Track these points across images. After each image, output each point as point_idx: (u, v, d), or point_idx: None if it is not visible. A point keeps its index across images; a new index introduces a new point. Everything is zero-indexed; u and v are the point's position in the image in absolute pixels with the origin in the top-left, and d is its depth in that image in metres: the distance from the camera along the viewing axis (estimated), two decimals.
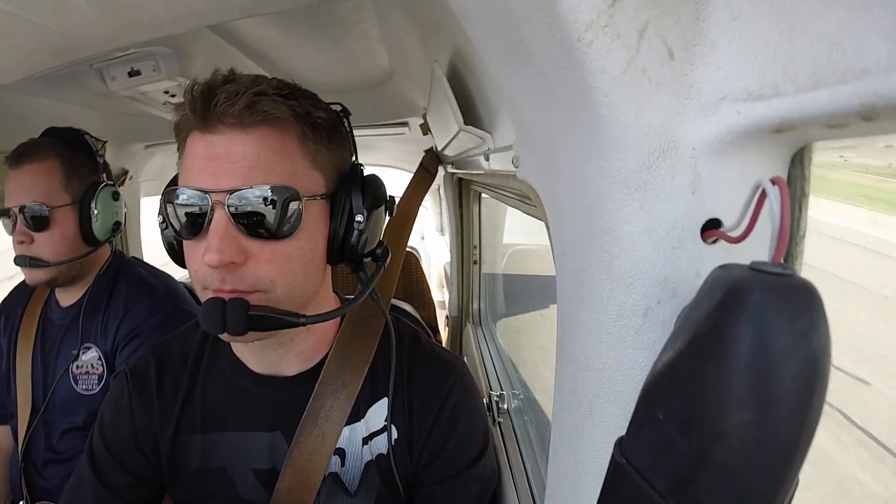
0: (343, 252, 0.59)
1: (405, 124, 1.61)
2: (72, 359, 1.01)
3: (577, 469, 0.37)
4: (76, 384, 1.00)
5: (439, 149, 1.03)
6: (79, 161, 1.01)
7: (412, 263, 1.95)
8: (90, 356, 1.01)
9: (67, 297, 1.07)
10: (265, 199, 0.51)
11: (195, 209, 0.51)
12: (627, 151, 0.28)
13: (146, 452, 0.68)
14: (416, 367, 0.68)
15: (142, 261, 1.21)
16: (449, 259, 1.96)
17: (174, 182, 0.57)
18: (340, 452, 0.65)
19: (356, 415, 0.66)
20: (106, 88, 0.99)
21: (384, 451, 0.65)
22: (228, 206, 0.50)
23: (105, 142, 1.12)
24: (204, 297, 0.53)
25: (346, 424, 0.65)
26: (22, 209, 0.93)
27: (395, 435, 0.65)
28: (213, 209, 0.50)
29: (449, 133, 0.79)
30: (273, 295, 0.54)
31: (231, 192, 0.50)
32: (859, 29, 0.19)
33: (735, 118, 0.26)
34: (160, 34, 0.72)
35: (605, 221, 0.31)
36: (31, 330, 1.06)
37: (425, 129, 1.19)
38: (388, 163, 2.49)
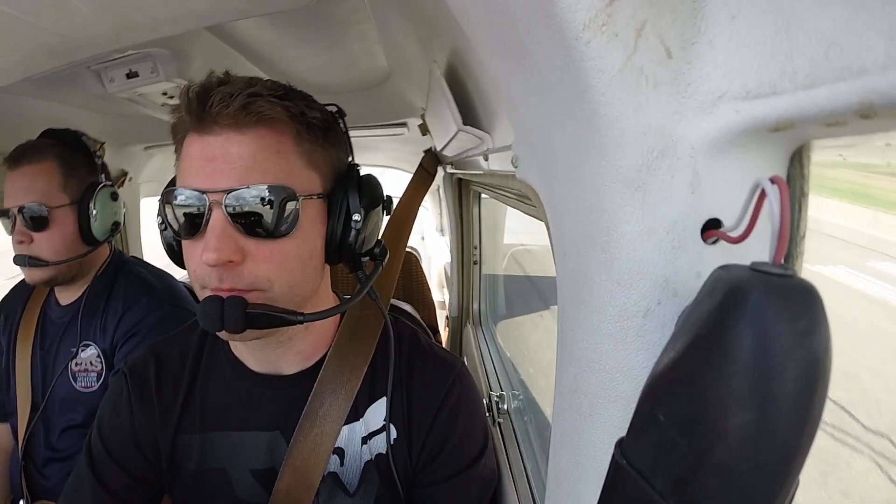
0: (341, 251, 0.59)
1: (404, 125, 1.61)
2: (71, 356, 1.01)
3: (577, 470, 0.37)
4: (75, 382, 1.00)
5: (438, 149, 1.03)
6: (77, 162, 1.01)
7: (412, 263, 1.95)
8: (89, 354, 1.01)
9: (67, 296, 1.07)
10: (262, 198, 0.51)
11: (193, 209, 0.52)
12: (626, 151, 0.28)
13: (145, 453, 0.68)
14: (415, 366, 0.68)
15: (141, 260, 1.21)
16: (449, 259, 1.96)
17: (172, 183, 0.57)
18: (339, 452, 0.65)
19: (355, 414, 0.66)
20: (104, 90, 0.99)
21: (383, 451, 0.65)
22: (226, 206, 0.50)
23: (103, 143, 1.11)
24: (202, 296, 0.54)
25: (344, 424, 0.65)
26: (21, 209, 0.93)
27: (394, 434, 0.65)
28: (210, 209, 0.51)
29: (448, 133, 0.78)
30: (271, 294, 0.54)
31: (228, 191, 0.50)
32: (857, 27, 0.19)
33: (734, 117, 0.26)
34: (158, 35, 0.72)
35: (604, 221, 0.31)
36: (30, 328, 1.07)
37: (424, 129, 1.19)
38: (387, 163, 2.49)
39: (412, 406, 0.66)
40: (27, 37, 0.65)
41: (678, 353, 0.24)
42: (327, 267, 0.63)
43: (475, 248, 1.70)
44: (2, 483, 1.09)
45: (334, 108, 0.62)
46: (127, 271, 1.11)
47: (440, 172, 1.31)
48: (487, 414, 0.83)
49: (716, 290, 0.23)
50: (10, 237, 0.97)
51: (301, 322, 0.53)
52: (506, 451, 0.95)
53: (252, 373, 0.66)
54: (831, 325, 0.20)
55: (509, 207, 1.15)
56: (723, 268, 0.23)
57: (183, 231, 0.54)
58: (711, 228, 0.29)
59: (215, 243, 0.50)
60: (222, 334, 0.53)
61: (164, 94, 1.05)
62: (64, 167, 0.98)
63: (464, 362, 0.73)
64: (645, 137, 0.28)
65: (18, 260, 0.95)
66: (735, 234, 0.25)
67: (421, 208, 1.17)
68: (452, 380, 0.67)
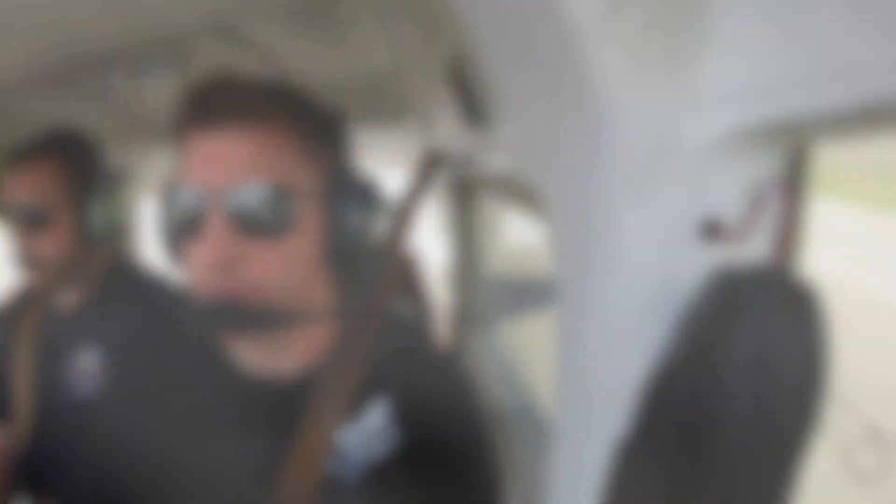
0: (340, 251, 0.59)
1: (405, 124, 1.61)
2: (70, 359, 1.01)
3: (578, 471, 0.37)
4: (75, 385, 1.00)
5: (440, 148, 1.03)
6: (79, 161, 1.01)
7: (412, 264, 1.95)
8: (88, 357, 1.01)
9: (66, 298, 1.06)
10: (260, 197, 0.51)
11: (191, 209, 0.51)
12: (628, 151, 0.28)
13: None
14: (414, 366, 0.68)
15: (141, 262, 1.21)
16: (450, 260, 1.96)
17: (172, 182, 0.57)
18: (339, 453, 0.65)
19: (355, 415, 0.65)
20: (107, 88, 0.99)
21: (384, 452, 0.65)
22: (224, 205, 0.50)
23: (105, 141, 1.12)
24: (201, 296, 0.53)
25: (345, 425, 0.65)
26: (21, 209, 0.93)
27: (394, 435, 0.65)
28: (208, 208, 0.50)
29: (450, 132, 0.79)
30: (270, 294, 0.53)
31: (226, 190, 0.50)
32: (859, 29, 0.19)
33: (736, 118, 0.26)
34: (161, 33, 0.72)
35: (605, 222, 0.31)
36: (29, 331, 1.06)
37: (426, 128, 1.19)
38: (388, 162, 2.49)
39: (413, 407, 0.66)
40: (29, 34, 0.65)
41: (678, 354, 0.24)
42: (326, 267, 0.63)
43: (476, 249, 1.70)
44: (1, 484, 1.09)
45: (335, 107, 0.62)
46: (126, 272, 1.10)
47: (442, 172, 1.32)
48: (488, 414, 0.83)
49: (716, 290, 0.23)
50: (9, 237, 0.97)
51: (299, 321, 0.53)
52: (506, 451, 0.95)
53: (249, 373, 0.66)
54: (831, 325, 0.20)
55: (512, 207, 1.15)
56: (723, 268, 0.24)
57: (180, 230, 0.54)
58: (712, 229, 0.29)
59: (212, 243, 0.50)
60: (220, 335, 0.53)
61: (167, 91, 1.06)
62: (65, 166, 0.98)
63: (465, 363, 0.73)
64: (647, 137, 0.28)
65: (18, 262, 0.95)
66: (736, 234, 0.25)
67: (422, 208, 1.17)
68: (454, 381, 0.67)
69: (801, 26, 0.21)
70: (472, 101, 0.71)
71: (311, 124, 0.55)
